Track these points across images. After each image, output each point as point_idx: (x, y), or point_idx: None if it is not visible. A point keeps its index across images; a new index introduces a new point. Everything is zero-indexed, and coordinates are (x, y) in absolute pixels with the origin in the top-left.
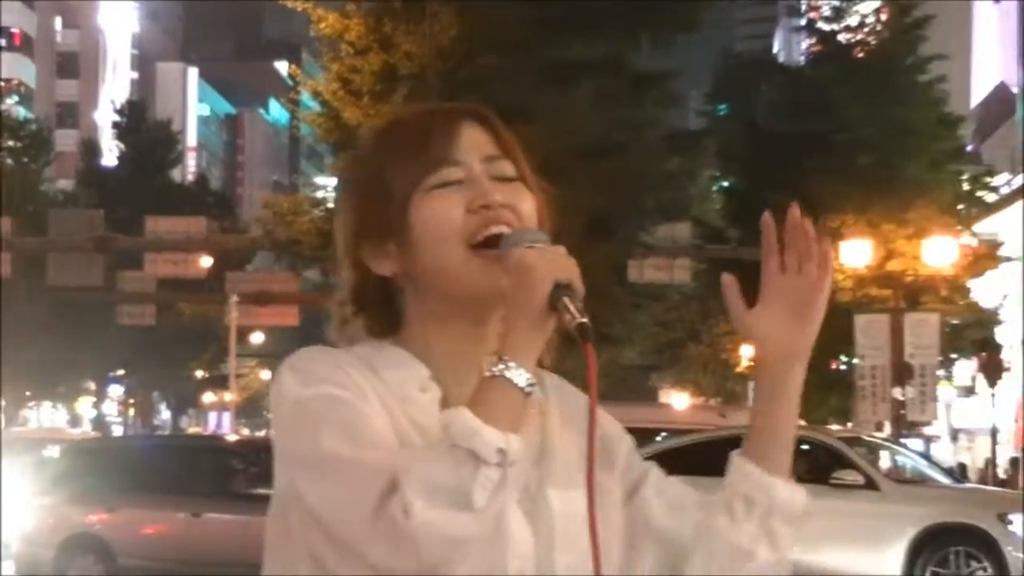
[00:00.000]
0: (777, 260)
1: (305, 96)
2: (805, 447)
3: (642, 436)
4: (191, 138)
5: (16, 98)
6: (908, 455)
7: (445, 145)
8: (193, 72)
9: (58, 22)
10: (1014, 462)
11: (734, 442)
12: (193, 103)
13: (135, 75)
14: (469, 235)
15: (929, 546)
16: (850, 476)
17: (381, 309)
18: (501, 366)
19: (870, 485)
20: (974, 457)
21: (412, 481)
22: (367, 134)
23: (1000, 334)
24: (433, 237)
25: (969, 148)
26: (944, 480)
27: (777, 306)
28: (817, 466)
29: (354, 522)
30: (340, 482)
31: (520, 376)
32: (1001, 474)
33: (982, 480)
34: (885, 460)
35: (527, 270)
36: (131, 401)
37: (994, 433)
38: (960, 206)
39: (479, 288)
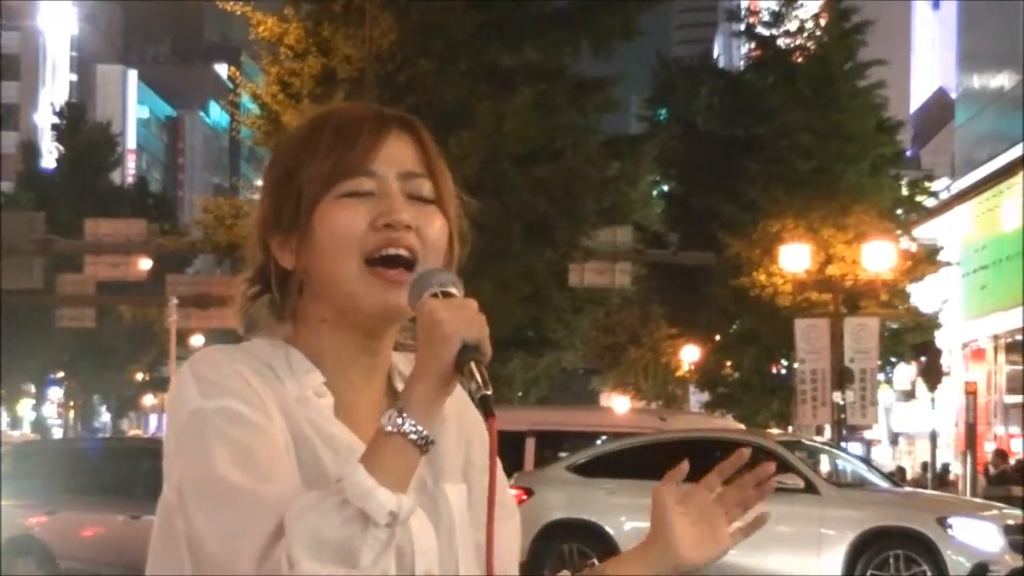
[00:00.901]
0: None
1: (245, 99)
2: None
3: (583, 439)
4: (131, 140)
5: None
6: (848, 459)
7: (364, 153)
8: (133, 74)
9: None
10: (946, 467)
11: (674, 446)
12: (133, 105)
13: (74, 77)
14: (367, 251)
15: (869, 550)
16: (790, 480)
17: (281, 296)
18: (400, 421)
19: (810, 489)
20: (914, 461)
21: (300, 532)
22: (299, 122)
23: (939, 339)
24: (332, 246)
25: (908, 153)
26: (884, 484)
27: (701, 526)
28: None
29: (239, 560)
30: (230, 516)
31: (418, 433)
32: (938, 478)
33: (919, 484)
34: (825, 464)
35: (436, 325)
36: (71, 404)
37: (933, 437)
38: (899, 211)
39: (368, 305)
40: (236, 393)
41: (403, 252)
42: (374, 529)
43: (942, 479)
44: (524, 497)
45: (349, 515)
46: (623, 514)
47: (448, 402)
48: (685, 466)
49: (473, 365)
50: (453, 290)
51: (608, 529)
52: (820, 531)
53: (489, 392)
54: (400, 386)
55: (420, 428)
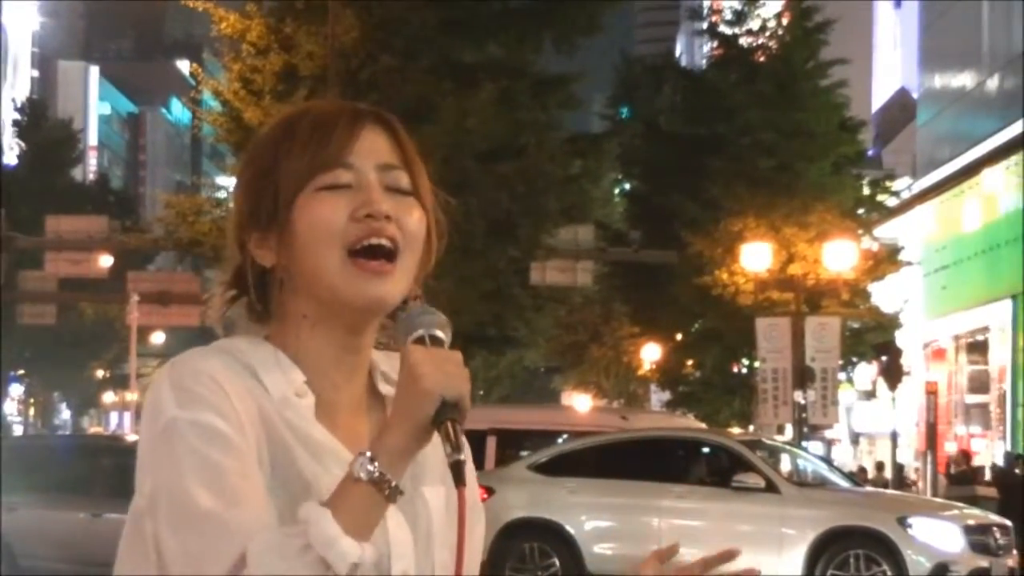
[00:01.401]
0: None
1: (207, 96)
2: (706, 450)
3: (544, 438)
4: (92, 137)
5: None
6: (808, 458)
7: (341, 146)
8: (94, 70)
9: None
10: (900, 468)
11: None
12: (94, 102)
13: (36, 73)
14: (349, 242)
15: (829, 549)
16: (751, 479)
17: (259, 296)
18: (370, 469)
19: (771, 488)
20: (875, 460)
21: (259, 567)
22: (274, 120)
23: (900, 338)
24: (313, 239)
25: (870, 152)
26: (844, 484)
27: None
28: (718, 469)
29: None
30: (196, 539)
31: (388, 484)
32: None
33: (878, 484)
34: (786, 463)
35: (418, 379)
36: (31, 401)
37: (894, 437)
38: (861, 210)
39: (351, 296)
40: (212, 405)
41: (385, 242)
42: None
43: (900, 479)
44: (485, 496)
45: (310, 560)
46: (584, 513)
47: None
48: (676, 547)
49: (450, 425)
50: (440, 334)
51: (569, 528)
52: (781, 530)
53: (462, 458)
54: (383, 388)
55: (390, 479)
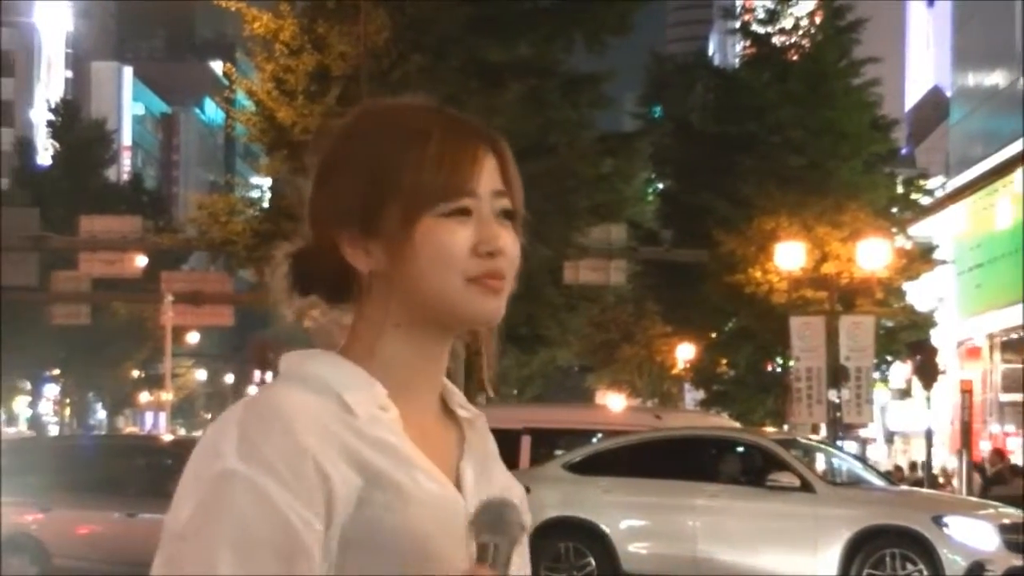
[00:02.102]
0: None
1: (239, 96)
2: (740, 449)
3: (578, 437)
4: (126, 137)
5: None
6: (843, 457)
7: (471, 174)
8: (128, 71)
9: None
10: (930, 467)
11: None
12: (128, 102)
13: (69, 74)
14: (469, 275)
15: (864, 548)
16: (786, 478)
17: (333, 286)
18: None
19: (805, 487)
20: (908, 460)
21: None
22: (370, 112)
23: (935, 337)
24: (434, 264)
25: (903, 151)
26: (879, 482)
27: None
28: (752, 468)
29: None
30: None
31: None
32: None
33: (911, 482)
34: (820, 462)
35: None
36: (67, 401)
37: (929, 436)
38: (894, 209)
39: (469, 314)
40: (274, 470)
41: (501, 275)
42: None
43: (932, 479)
44: None
45: None
46: (619, 512)
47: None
48: None
49: None
50: (505, 544)
51: (604, 527)
52: (816, 530)
53: None
54: (461, 412)
55: None
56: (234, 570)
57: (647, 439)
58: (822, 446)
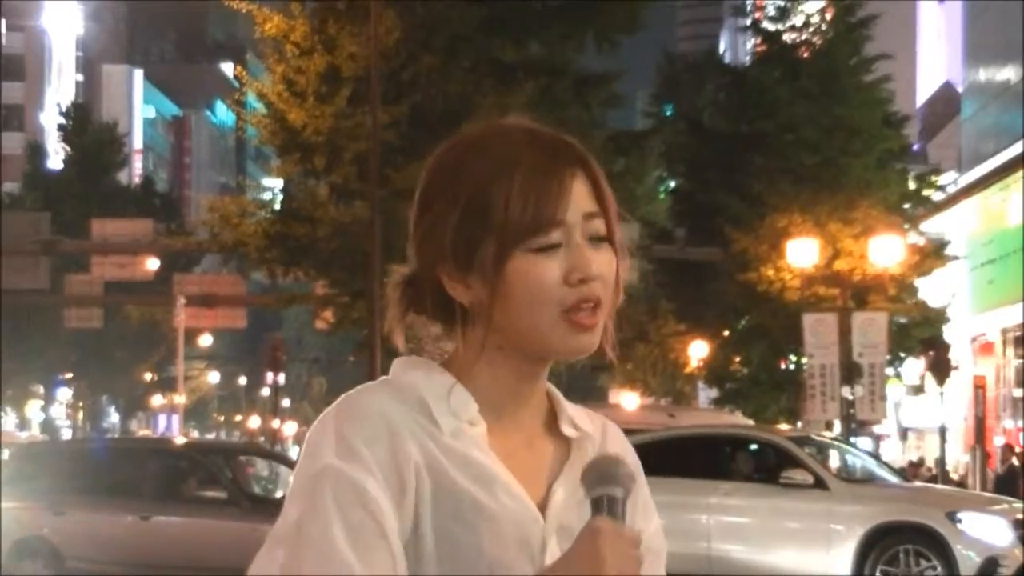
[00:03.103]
0: None
1: (250, 98)
2: (754, 447)
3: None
4: (137, 140)
5: None
6: (857, 454)
7: (558, 205)
8: (138, 74)
9: (2, 25)
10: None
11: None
12: (139, 105)
13: (80, 77)
14: (564, 306)
15: (879, 545)
16: (799, 476)
17: (439, 309)
18: None
19: (819, 485)
20: (923, 455)
21: None
22: (463, 141)
23: (948, 333)
24: (527, 300)
25: (915, 147)
26: (893, 479)
27: None
28: (766, 466)
29: None
30: None
31: None
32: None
33: (929, 479)
34: (834, 459)
35: (599, 562)
36: (80, 404)
37: (943, 432)
38: (906, 205)
39: (562, 349)
40: (369, 466)
41: (595, 300)
42: None
43: (945, 475)
44: None
45: None
46: None
47: (590, 426)
48: None
49: None
50: (619, 494)
51: None
52: (830, 527)
53: None
54: (568, 431)
55: None
56: (349, 548)
57: (660, 438)
58: (835, 443)
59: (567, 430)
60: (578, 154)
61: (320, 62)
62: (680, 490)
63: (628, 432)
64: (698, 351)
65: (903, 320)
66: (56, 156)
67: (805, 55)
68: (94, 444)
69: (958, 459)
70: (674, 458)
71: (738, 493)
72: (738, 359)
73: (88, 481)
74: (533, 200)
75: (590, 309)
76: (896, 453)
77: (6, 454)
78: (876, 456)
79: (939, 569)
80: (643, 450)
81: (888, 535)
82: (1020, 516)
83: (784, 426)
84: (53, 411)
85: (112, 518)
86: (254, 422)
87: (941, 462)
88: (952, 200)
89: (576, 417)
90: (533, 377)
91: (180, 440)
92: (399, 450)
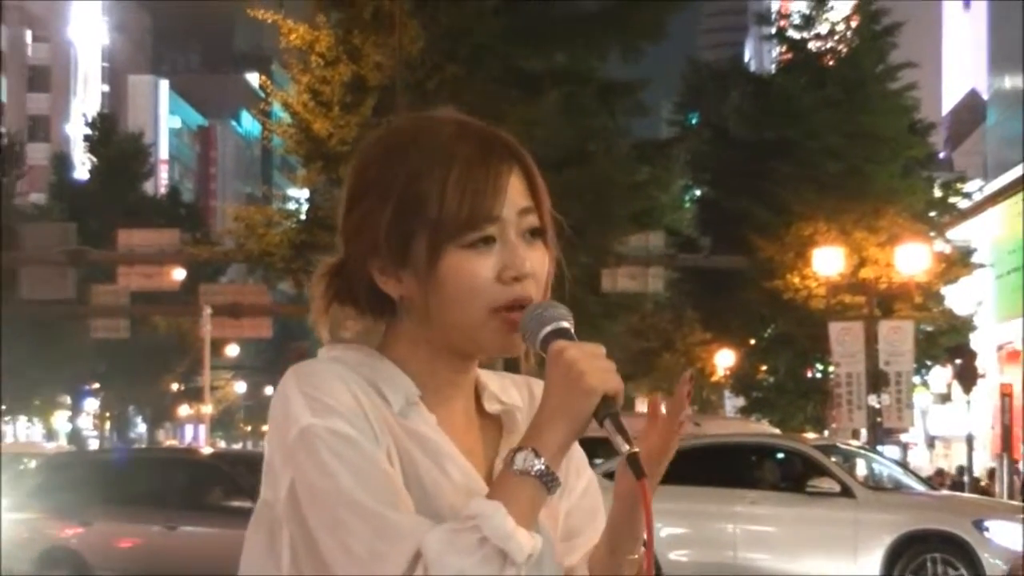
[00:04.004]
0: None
1: (276, 107)
2: (780, 456)
3: None
4: (163, 150)
5: None
6: (883, 462)
7: (493, 199)
8: (164, 84)
9: (28, 36)
10: (991, 472)
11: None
12: (164, 115)
13: (106, 88)
14: (495, 303)
15: (906, 553)
16: (826, 484)
17: (371, 310)
18: (534, 462)
19: (846, 493)
20: (950, 464)
21: (440, 565)
22: (395, 132)
23: (974, 341)
24: (459, 296)
25: (941, 155)
26: (919, 487)
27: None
28: (792, 474)
29: None
30: (366, 538)
31: (552, 477)
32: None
33: (955, 486)
34: (860, 468)
35: (579, 376)
36: (106, 415)
37: (970, 440)
38: (932, 213)
39: (490, 346)
40: (345, 415)
41: (527, 300)
42: (511, 568)
43: (974, 483)
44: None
45: (488, 553)
46: (659, 519)
47: (516, 396)
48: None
49: (613, 419)
50: (567, 325)
51: (644, 535)
52: (856, 535)
53: (637, 450)
54: (492, 407)
55: (555, 472)
56: (369, 500)
57: (687, 446)
58: (862, 451)
59: (491, 406)
60: (511, 147)
61: (345, 72)
62: (707, 498)
63: None
64: (724, 360)
65: (929, 328)
66: (82, 167)
67: (830, 63)
68: (121, 454)
69: (985, 467)
70: (701, 467)
71: (765, 502)
72: (764, 368)
73: (115, 491)
74: (469, 195)
75: (520, 309)
76: (923, 461)
77: (32, 465)
78: (902, 464)
79: None
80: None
81: (915, 543)
82: None
83: (811, 435)
84: (80, 421)
85: (139, 528)
86: None
87: (968, 470)
88: (978, 208)
89: (499, 391)
90: (465, 369)
91: (207, 450)
92: (364, 406)
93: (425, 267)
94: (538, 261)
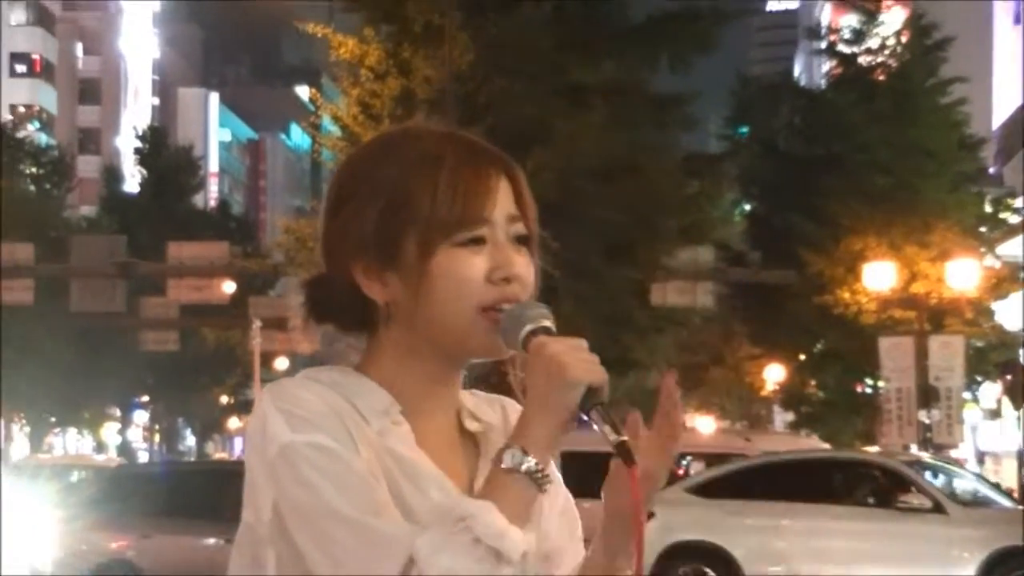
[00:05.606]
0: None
1: (325, 121)
2: (867, 471)
3: None
4: (213, 163)
5: (37, 124)
6: (970, 478)
7: (484, 201)
8: (214, 97)
9: (79, 48)
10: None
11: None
12: (214, 128)
13: (156, 101)
14: (484, 303)
15: (998, 570)
16: (916, 500)
17: (354, 320)
18: (522, 459)
19: (937, 509)
20: (999, 480)
21: (434, 569)
22: (382, 139)
23: None
24: (448, 295)
25: (991, 170)
26: (1007, 503)
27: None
28: (882, 490)
29: None
30: (351, 551)
31: (541, 473)
32: None
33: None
34: (948, 483)
35: (561, 368)
36: (156, 427)
37: (1020, 456)
38: (982, 228)
39: (477, 347)
40: (325, 428)
41: (516, 301)
42: (506, 567)
43: None
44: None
45: (482, 554)
46: (746, 535)
47: (491, 414)
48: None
49: (599, 410)
50: (548, 323)
51: (731, 551)
52: (949, 552)
53: (626, 438)
54: (471, 425)
55: (543, 467)
56: (354, 511)
57: (772, 461)
58: (948, 466)
59: (470, 424)
60: (499, 155)
61: (395, 85)
62: (794, 514)
63: (709, 456)
64: (774, 374)
65: (979, 344)
66: (132, 179)
67: (880, 77)
68: (178, 467)
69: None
70: (786, 482)
71: (854, 517)
72: (814, 382)
73: (172, 504)
74: (461, 194)
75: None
76: None
77: (83, 477)
78: (986, 479)
79: None
80: (755, 474)
81: (1009, 559)
82: None
83: (872, 448)
84: (129, 434)
85: (196, 541)
86: None
87: (1022, 486)
88: None
89: (476, 409)
90: (448, 380)
91: None
92: (344, 422)
93: (415, 265)
94: (525, 266)
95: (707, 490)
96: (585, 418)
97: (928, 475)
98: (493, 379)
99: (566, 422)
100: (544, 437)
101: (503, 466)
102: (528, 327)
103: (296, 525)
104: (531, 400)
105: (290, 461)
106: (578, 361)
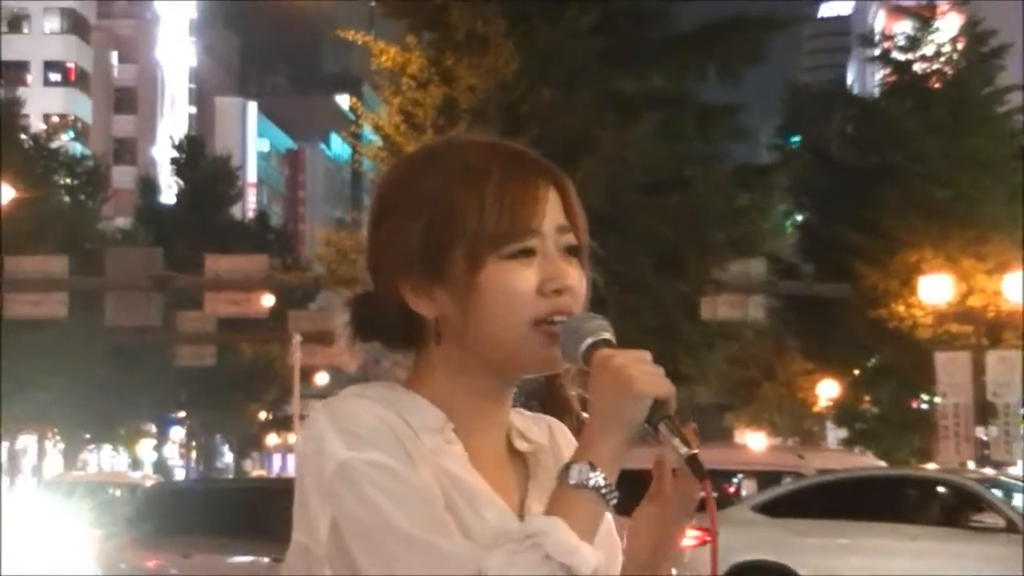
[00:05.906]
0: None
1: (366, 130)
2: (941, 490)
3: (718, 477)
4: (251, 174)
5: (71, 134)
6: None
7: (533, 212)
8: (252, 106)
9: (114, 57)
10: None
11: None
12: (252, 138)
13: (193, 110)
14: (537, 316)
15: None
16: (990, 519)
17: (404, 338)
18: (591, 475)
19: (1011, 528)
20: None
21: None
22: (427, 151)
23: None
24: (499, 309)
25: None
26: None
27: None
28: (949, 508)
29: None
30: (422, 568)
31: (609, 488)
32: None
33: None
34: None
35: (628, 382)
36: (193, 444)
37: None
38: None
39: (532, 361)
40: (381, 445)
41: (569, 313)
42: None
43: None
44: (706, 538)
45: (553, 569)
46: (814, 555)
47: (538, 434)
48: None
49: (668, 423)
50: (609, 335)
51: (799, 571)
52: None
53: (698, 451)
54: (521, 445)
55: (611, 483)
56: (420, 530)
57: (840, 479)
58: (1019, 483)
59: (520, 444)
60: (547, 165)
61: (437, 94)
62: (863, 533)
63: (758, 474)
64: (827, 390)
65: None
66: (168, 190)
67: (936, 86)
68: (217, 484)
69: None
70: (855, 501)
71: (925, 537)
72: (868, 398)
73: (215, 522)
74: (509, 206)
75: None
76: None
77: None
78: None
79: None
80: (821, 492)
81: None
82: None
83: (931, 465)
84: (165, 450)
85: (240, 560)
86: None
87: None
88: None
89: (525, 429)
90: (499, 398)
91: None
92: (400, 439)
93: (464, 279)
94: (577, 278)
95: (773, 508)
96: (653, 432)
97: (999, 493)
98: (542, 395)
99: (632, 436)
100: (611, 452)
101: (571, 482)
102: (589, 339)
103: (356, 545)
104: (597, 414)
105: (349, 479)
106: (644, 374)
